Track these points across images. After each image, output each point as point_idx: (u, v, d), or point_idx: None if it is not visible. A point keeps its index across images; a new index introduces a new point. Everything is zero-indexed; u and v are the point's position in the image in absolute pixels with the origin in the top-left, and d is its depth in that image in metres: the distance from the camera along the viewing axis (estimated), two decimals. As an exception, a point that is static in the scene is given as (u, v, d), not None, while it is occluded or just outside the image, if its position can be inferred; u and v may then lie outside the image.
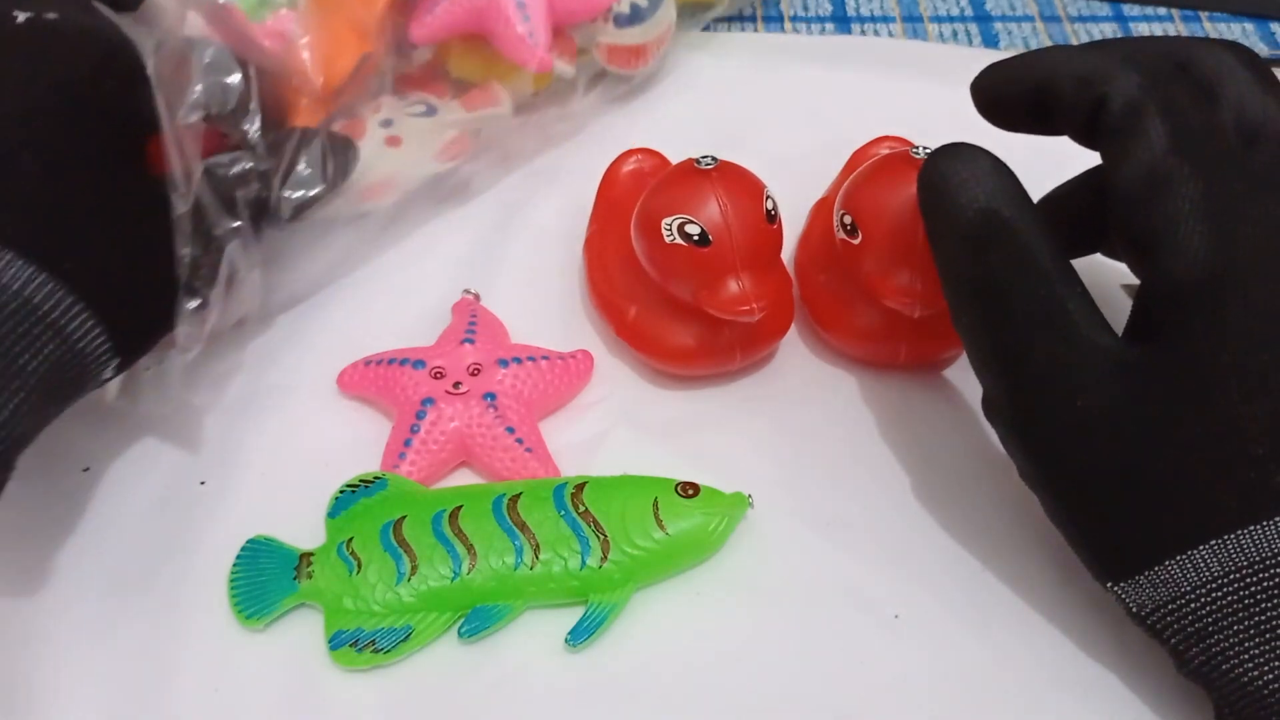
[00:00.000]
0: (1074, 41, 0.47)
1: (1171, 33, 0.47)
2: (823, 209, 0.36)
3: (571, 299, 0.36)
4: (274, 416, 0.33)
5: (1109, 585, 0.25)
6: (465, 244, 0.38)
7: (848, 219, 0.31)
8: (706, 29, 0.47)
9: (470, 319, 0.34)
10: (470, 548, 0.28)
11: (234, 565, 0.29)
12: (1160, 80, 0.25)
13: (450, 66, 0.39)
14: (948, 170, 0.26)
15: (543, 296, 0.36)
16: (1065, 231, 0.31)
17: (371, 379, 0.33)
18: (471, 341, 0.33)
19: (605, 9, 0.39)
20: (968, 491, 0.31)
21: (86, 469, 0.32)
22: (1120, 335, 0.25)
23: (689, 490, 0.29)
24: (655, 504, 0.29)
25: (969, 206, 0.26)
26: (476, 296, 0.36)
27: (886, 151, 0.35)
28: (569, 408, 0.33)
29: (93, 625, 0.28)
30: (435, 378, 0.32)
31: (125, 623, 0.28)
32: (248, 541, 0.29)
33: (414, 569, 0.28)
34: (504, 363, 0.32)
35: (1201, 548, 0.23)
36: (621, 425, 0.33)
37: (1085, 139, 0.27)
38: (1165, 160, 0.24)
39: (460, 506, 0.29)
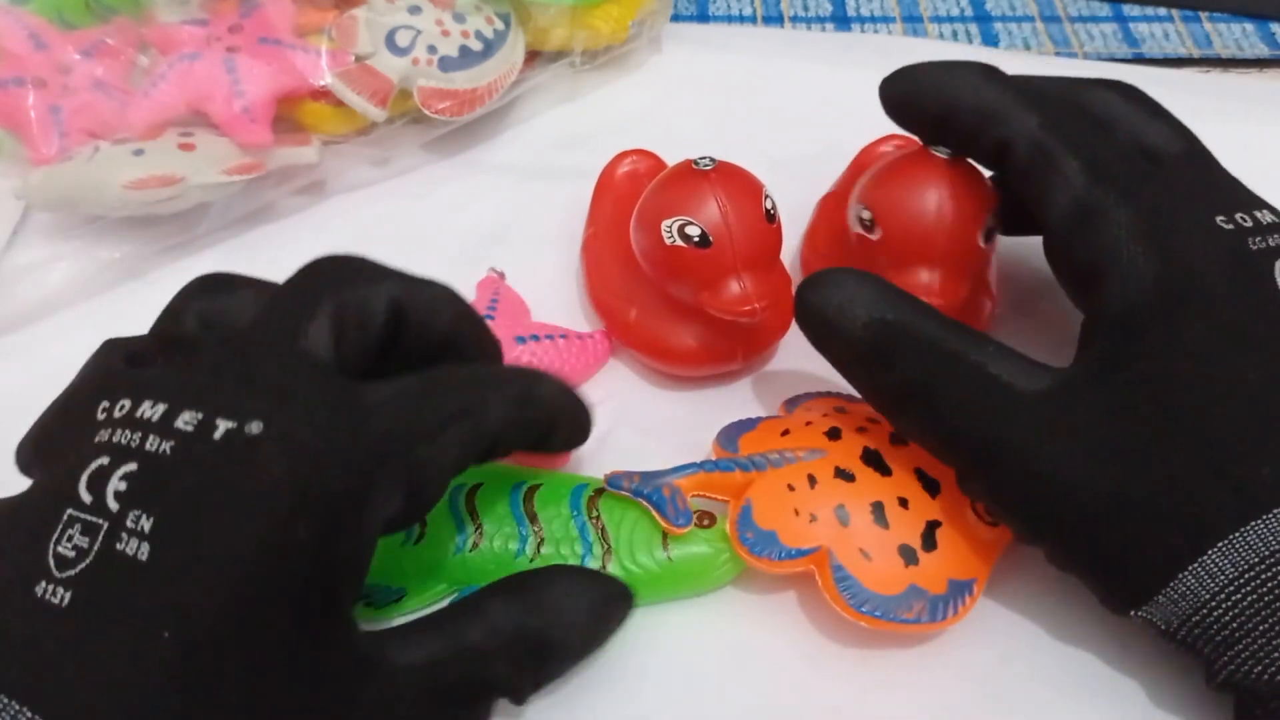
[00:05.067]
0: (1074, 42, 0.47)
1: (1171, 33, 0.47)
2: (829, 204, 0.36)
3: (571, 300, 0.36)
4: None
5: (1133, 614, 0.24)
6: (464, 246, 0.38)
7: (866, 214, 0.30)
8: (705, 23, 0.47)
9: (493, 296, 0.35)
10: (479, 526, 0.28)
11: None
12: (1059, 117, 0.27)
13: (304, 120, 0.39)
14: (821, 300, 0.27)
15: (542, 298, 0.36)
16: (1015, 210, 0.30)
17: None
18: (491, 318, 0.33)
19: (309, 89, 0.38)
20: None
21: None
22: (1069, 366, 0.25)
23: (704, 521, 0.28)
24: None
25: (855, 325, 0.26)
26: (501, 276, 0.36)
27: (891, 150, 0.35)
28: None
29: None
30: None
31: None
32: None
33: (421, 534, 0.28)
34: (521, 339, 0.33)
35: (1210, 552, 0.23)
36: (622, 425, 0.33)
37: (995, 174, 0.28)
38: (1089, 193, 0.25)
39: (480, 484, 0.29)
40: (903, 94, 0.29)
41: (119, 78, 0.38)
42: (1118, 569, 0.24)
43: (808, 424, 0.29)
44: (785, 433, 0.29)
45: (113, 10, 0.39)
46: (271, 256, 0.38)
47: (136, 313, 0.36)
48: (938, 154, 0.30)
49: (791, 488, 0.27)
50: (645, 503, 0.28)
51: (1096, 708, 0.26)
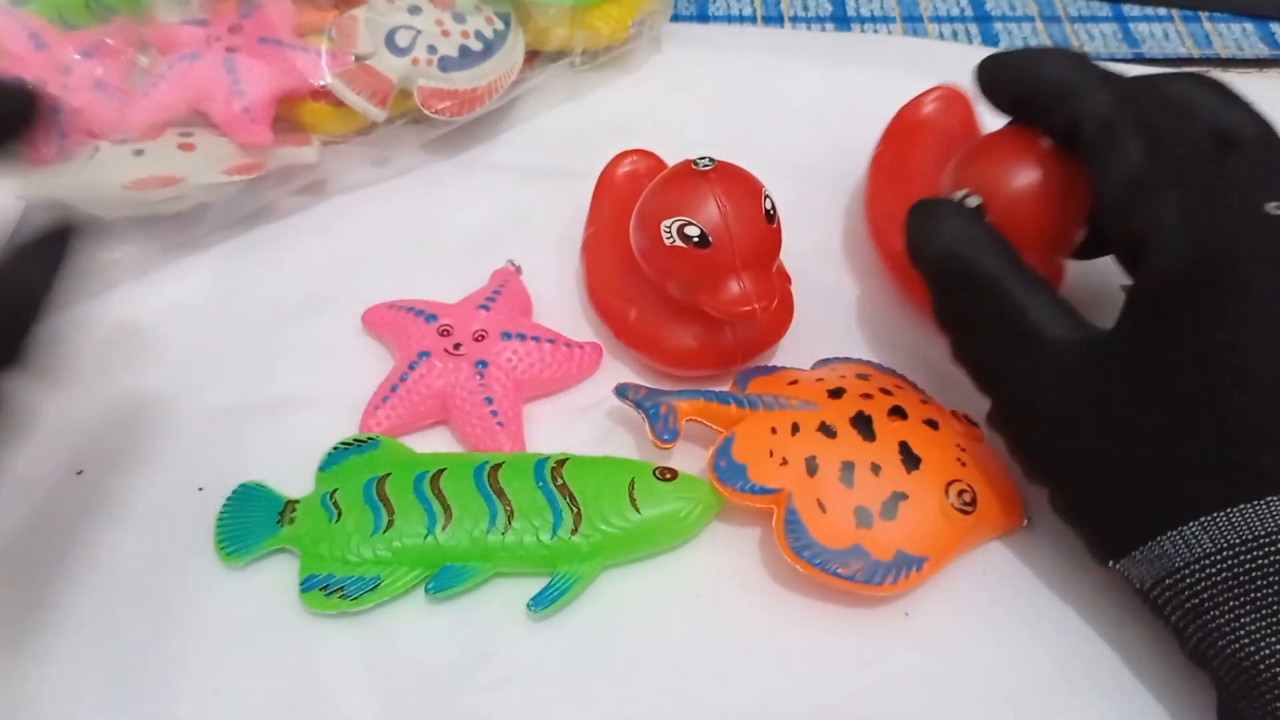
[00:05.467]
0: (1074, 42, 0.47)
1: (1171, 33, 0.47)
2: (883, 164, 0.37)
3: (570, 300, 0.36)
4: (271, 417, 0.33)
5: (1110, 564, 0.25)
6: (464, 246, 0.38)
7: (973, 201, 0.30)
8: (705, 23, 0.47)
9: (498, 287, 0.35)
10: (447, 509, 0.29)
11: (223, 506, 0.30)
12: (1131, 97, 0.28)
13: (304, 120, 0.39)
14: (915, 226, 0.30)
15: (542, 298, 0.36)
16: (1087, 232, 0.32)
17: (389, 320, 0.34)
18: (487, 309, 0.34)
19: (309, 89, 0.37)
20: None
21: (80, 472, 0.32)
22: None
23: (667, 474, 0.29)
24: (631, 485, 0.29)
25: (931, 251, 0.29)
26: (518, 270, 0.36)
27: (933, 108, 0.37)
28: (570, 408, 0.33)
29: (89, 630, 0.28)
30: (441, 334, 0.33)
31: (122, 628, 0.28)
32: (240, 485, 0.30)
33: (390, 523, 0.28)
34: (508, 335, 0.33)
35: (1192, 524, 0.23)
36: (621, 426, 0.33)
37: (1067, 148, 0.29)
38: (1144, 170, 0.26)
39: (444, 469, 0.29)
40: (993, 71, 0.31)
41: (119, 78, 0.38)
42: (1102, 521, 0.26)
43: (818, 380, 0.31)
44: (794, 382, 0.31)
45: (112, 10, 0.39)
46: (272, 256, 0.38)
47: (136, 314, 0.36)
48: (1044, 143, 0.30)
49: (774, 430, 0.29)
50: (640, 413, 0.30)
51: (1106, 706, 0.26)
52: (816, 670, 0.27)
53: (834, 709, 0.26)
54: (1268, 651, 0.22)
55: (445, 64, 0.39)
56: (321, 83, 0.37)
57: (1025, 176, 0.30)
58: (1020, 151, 0.30)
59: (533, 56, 0.43)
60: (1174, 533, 0.24)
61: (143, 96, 0.37)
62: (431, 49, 0.39)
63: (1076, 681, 0.27)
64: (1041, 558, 0.29)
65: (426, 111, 0.39)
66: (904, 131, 0.37)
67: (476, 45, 0.40)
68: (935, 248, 0.29)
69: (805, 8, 0.49)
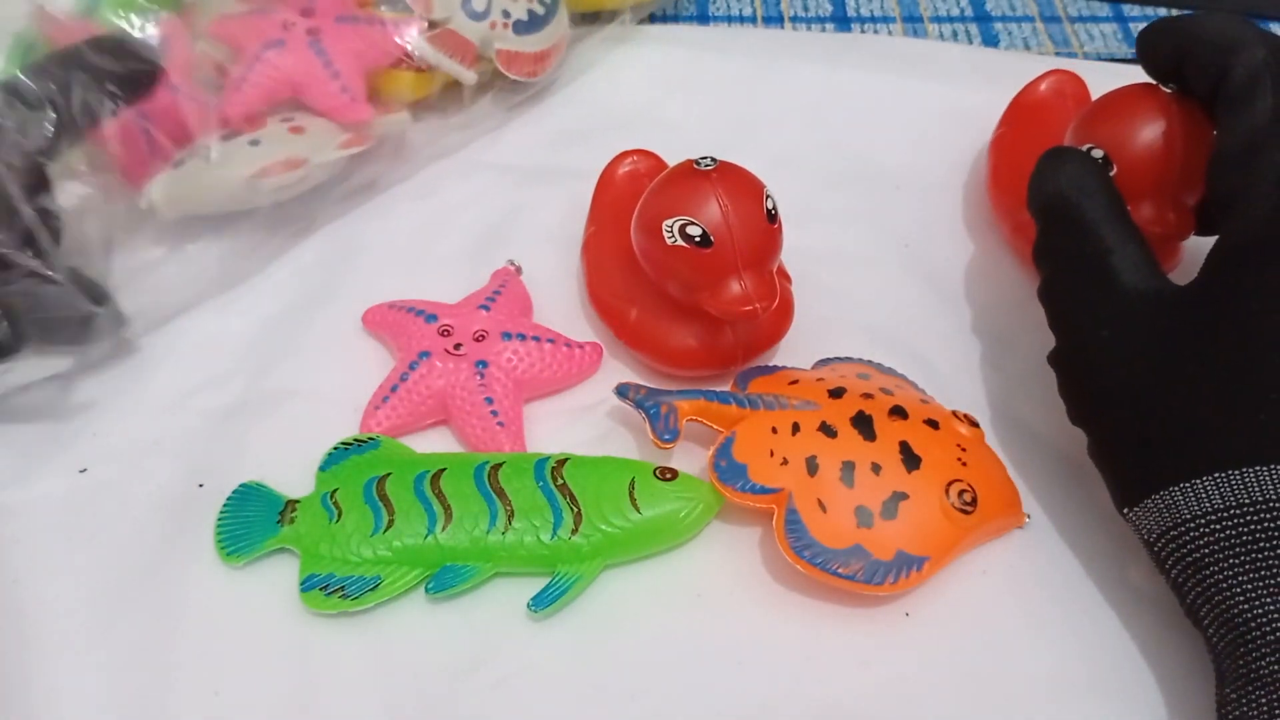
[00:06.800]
0: (1074, 42, 0.47)
1: (1171, 33, 0.47)
2: (1005, 144, 0.38)
3: (571, 300, 0.36)
4: (272, 417, 0.33)
5: (1124, 512, 0.26)
6: (465, 245, 0.38)
7: (1097, 153, 0.31)
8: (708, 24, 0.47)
9: (498, 287, 0.35)
10: (447, 509, 0.29)
11: (224, 506, 0.30)
12: None
13: (383, 89, 0.39)
14: (1037, 170, 0.30)
15: (542, 298, 0.36)
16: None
17: (389, 320, 0.34)
18: (487, 309, 0.34)
19: (399, 56, 0.38)
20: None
21: (83, 470, 0.32)
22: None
23: (667, 474, 0.29)
24: (631, 485, 0.29)
25: (1043, 191, 0.30)
26: (518, 270, 0.36)
27: (1048, 88, 0.38)
28: (570, 408, 0.33)
29: (88, 630, 0.28)
30: (442, 335, 0.33)
31: (122, 628, 0.28)
32: (240, 485, 0.30)
33: (390, 523, 0.29)
34: (508, 336, 0.33)
35: (1205, 479, 0.24)
36: (621, 426, 0.33)
37: (1208, 105, 0.29)
38: (1266, 129, 0.26)
39: (444, 469, 0.30)
40: (1156, 32, 0.31)
41: (182, 77, 0.37)
42: (1126, 464, 0.26)
43: (819, 379, 0.31)
44: (794, 382, 0.31)
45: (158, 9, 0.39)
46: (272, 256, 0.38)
47: (136, 313, 0.36)
48: (1165, 90, 0.31)
49: (774, 430, 0.29)
50: (641, 413, 0.30)
51: (1105, 708, 0.26)
52: (816, 670, 0.27)
53: (834, 709, 0.26)
54: (1260, 611, 0.23)
55: (519, 27, 0.40)
56: (413, 50, 0.38)
57: (1144, 122, 0.30)
58: (1140, 101, 0.31)
59: (589, 19, 0.44)
60: (1186, 485, 0.24)
61: (234, 90, 0.37)
62: (506, 13, 0.40)
63: (1076, 682, 0.27)
64: (1041, 558, 0.29)
65: (509, 74, 0.40)
66: (1022, 112, 0.38)
67: (540, 9, 0.41)
68: (1048, 189, 0.29)
69: (805, 8, 0.49)
